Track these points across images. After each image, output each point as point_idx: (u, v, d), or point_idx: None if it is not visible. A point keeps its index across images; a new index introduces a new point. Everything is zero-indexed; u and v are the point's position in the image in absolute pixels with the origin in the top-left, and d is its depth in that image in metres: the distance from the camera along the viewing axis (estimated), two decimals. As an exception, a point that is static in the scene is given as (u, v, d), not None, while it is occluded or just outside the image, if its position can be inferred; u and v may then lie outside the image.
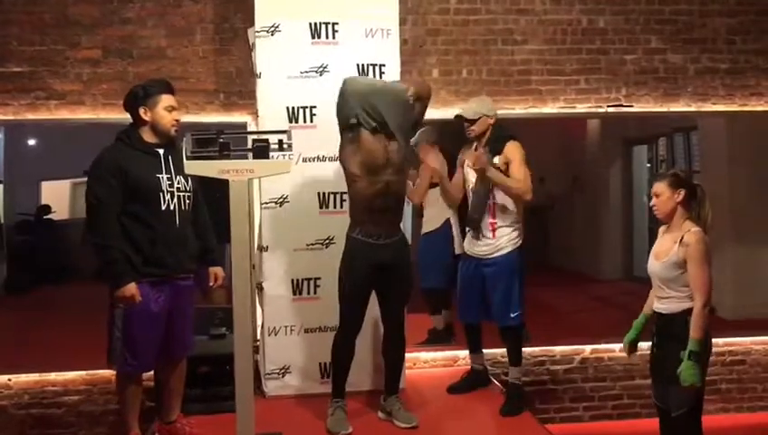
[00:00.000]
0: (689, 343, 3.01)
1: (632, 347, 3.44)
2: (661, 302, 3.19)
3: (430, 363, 4.82)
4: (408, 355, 4.37)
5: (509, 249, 3.88)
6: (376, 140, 3.45)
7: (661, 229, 3.30)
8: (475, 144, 3.98)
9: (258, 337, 4.24)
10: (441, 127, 4.87)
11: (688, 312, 3.07)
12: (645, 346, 3.41)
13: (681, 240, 3.08)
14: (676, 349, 3.07)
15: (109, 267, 3.16)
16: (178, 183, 3.32)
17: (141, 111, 3.28)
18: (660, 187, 3.17)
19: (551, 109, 4.86)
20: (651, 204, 3.21)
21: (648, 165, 8.62)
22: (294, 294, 4.13)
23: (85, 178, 9.34)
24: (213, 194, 3.63)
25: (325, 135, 4.02)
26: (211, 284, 3.62)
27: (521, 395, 3.99)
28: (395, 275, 3.57)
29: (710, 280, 3.06)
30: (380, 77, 4.14)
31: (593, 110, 4.90)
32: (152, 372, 3.71)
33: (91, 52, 4.50)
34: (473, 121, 3.90)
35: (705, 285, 3.04)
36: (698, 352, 3.01)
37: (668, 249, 3.14)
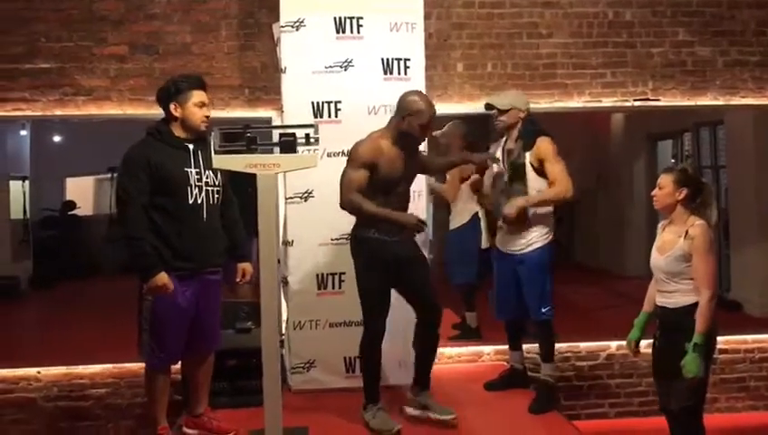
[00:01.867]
0: (695, 335, 3.02)
1: (637, 346, 3.44)
2: (666, 296, 3.19)
3: (455, 359, 4.81)
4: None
5: (540, 244, 3.84)
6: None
7: (661, 224, 3.30)
8: (502, 141, 3.94)
9: (283, 331, 4.26)
10: (469, 122, 4.88)
11: (695, 305, 3.07)
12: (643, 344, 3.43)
13: (686, 234, 3.08)
14: (682, 343, 3.06)
15: (139, 259, 3.18)
16: (207, 178, 3.32)
17: (172, 106, 3.29)
18: (665, 180, 3.17)
19: (576, 103, 4.82)
20: (652, 193, 3.21)
21: (673, 160, 8.53)
22: (319, 288, 4.14)
23: (109, 175, 9.38)
24: (245, 188, 3.66)
25: (350, 130, 4.01)
26: (238, 280, 3.61)
27: (551, 393, 3.94)
28: (413, 266, 3.55)
29: (716, 273, 3.09)
30: (405, 72, 4.15)
31: (619, 104, 4.85)
32: (179, 366, 3.75)
33: (118, 48, 4.55)
34: (503, 112, 3.84)
35: (711, 277, 3.05)
36: (702, 345, 3.03)
37: (672, 243, 3.13)
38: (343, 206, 3.46)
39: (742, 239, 6.54)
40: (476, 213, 4.96)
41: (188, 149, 3.31)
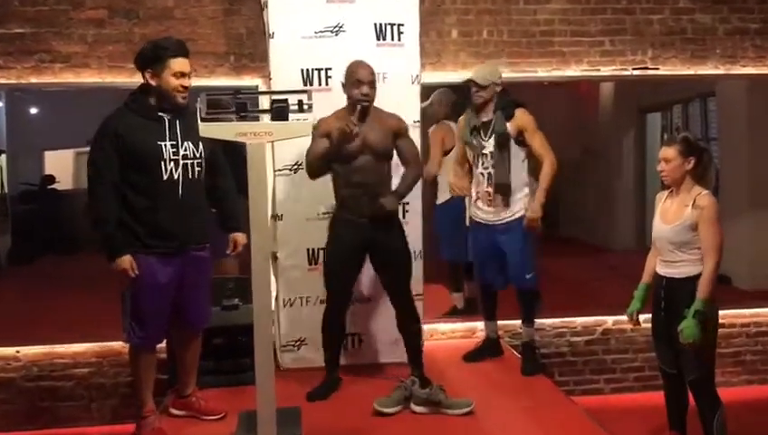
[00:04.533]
0: (696, 302, 3.06)
1: (637, 318, 3.45)
2: (672, 266, 3.21)
3: (448, 335, 4.74)
4: (426, 326, 4.28)
5: (522, 213, 3.91)
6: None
7: (661, 195, 3.33)
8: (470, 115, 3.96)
9: (273, 308, 4.12)
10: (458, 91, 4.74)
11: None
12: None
13: (693, 203, 3.12)
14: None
15: (103, 241, 3.02)
16: (185, 150, 3.11)
17: (147, 74, 3.08)
18: (670, 152, 3.17)
19: (574, 71, 4.70)
20: (659, 169, 3.22)
21: (663, 133, 8.47)
22: (310, 264, 4.02)
23: (88, 148, 9.27)
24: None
25: (341, 98, 3.83)
26: (229, 251, 3.45)
27: (536, 354, 4.13)
28: (387, 254, 3.54)
29: (722, 242, 3.11)
30: (399, 37, 4.01)
31: (618, 72, 4.73)
32: (165, 345, 3.64)
33: (96, 12, 4.33)
34: (482, 88, 3.85)
35: (718, 246, 3.09)
36: (704, 312, 3.07)
37: (679, 213, 3.16)
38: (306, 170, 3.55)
39: (731, 212, 6.46)
40: None
41: (163, 120, 3.08)
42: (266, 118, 2.83)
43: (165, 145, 3.06)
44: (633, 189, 8.45)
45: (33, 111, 9.89)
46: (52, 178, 9.79)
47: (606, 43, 4.69)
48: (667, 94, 7.84)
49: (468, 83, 3.89)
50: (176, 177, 3.08)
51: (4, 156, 8.71)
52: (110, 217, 3.00)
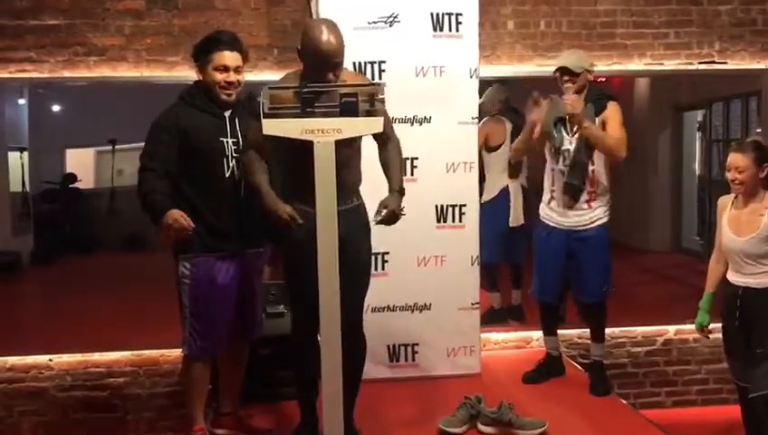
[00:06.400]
0: None
1: (707, 329, 3.33)
2: (750, 277, 3.06)
3: (501, 344, 4.50)
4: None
5: (605, 220, 3.62)
6: None
7: (725, 201, 3.18)
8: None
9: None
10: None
11: None
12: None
13: None
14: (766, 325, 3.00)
15: (148, 207, 2.80)
16: None
17: (196, 68, 2.98)
18: (744, 161, 3.00)
19: (636, 66, 4.45)
20: (731, 178, 3.04)
21: (700, 132, 8.21)
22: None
23: (109, 147, 9.01)
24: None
25: (396, 93, 3.59)
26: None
27: (606, 373, 3.81)
28: (346, 256, 2.60)
29: None
30: (457, 28, 3.76)
31: (683, 67, 4.47)
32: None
33: (134, 2, 4.14)
34: (576, 75, 3.50)
35: None
36: None
37: (753, 224, 3.02)
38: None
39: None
40: (506, 187, 4.68)
41: (223, 116, 2.94)
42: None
43: (227, 141, 2.92)
44: (669, 190, 8.19)
45: (56, 108, 9.78)
46: (73, 177, 9.69)
47: (671, 36, 4.44)
48: (706, 92, 7.58)
49: (559, 72, 3.53)
50: (237, 175, 2.93)
51: (26, 154, 8.60)
52: (157, 189, 2.80)
